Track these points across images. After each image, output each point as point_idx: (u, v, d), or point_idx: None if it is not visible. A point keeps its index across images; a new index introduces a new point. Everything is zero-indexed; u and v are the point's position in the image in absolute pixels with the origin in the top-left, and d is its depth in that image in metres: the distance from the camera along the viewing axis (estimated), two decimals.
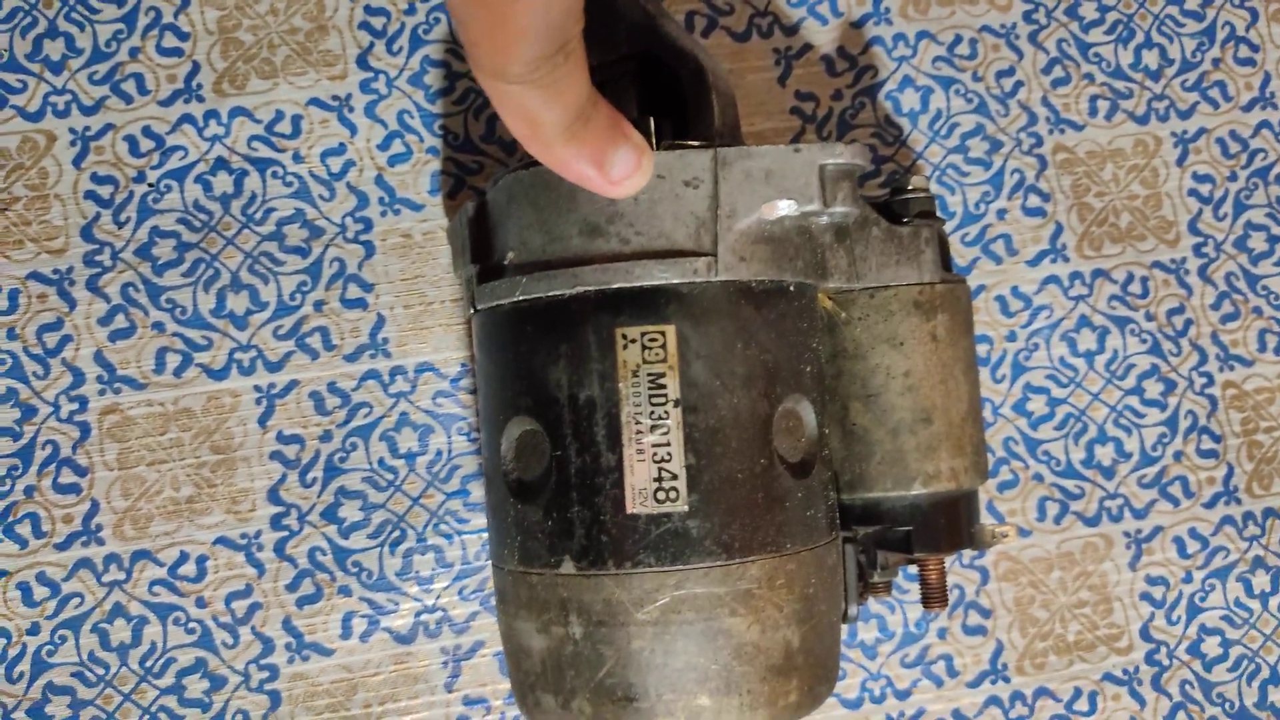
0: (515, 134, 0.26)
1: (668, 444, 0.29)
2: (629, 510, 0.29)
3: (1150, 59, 0.45)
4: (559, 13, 0.23)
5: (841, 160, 0.31)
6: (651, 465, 0.29)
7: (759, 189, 0.30)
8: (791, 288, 0.31)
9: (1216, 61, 0.45)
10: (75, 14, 0.40)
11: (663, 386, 0.29)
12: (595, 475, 0.29)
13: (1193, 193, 0.44)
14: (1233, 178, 0.45)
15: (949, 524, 0.34)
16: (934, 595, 0.35)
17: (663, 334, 0.29)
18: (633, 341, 0.29)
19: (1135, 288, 0.44)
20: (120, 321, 0.39)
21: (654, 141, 0.33)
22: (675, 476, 0.29)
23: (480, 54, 0.24)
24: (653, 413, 0.29)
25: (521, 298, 0.30)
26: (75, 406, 0.39)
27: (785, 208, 0.30)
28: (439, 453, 0.40)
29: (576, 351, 0.29)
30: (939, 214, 0.43)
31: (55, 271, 0.40)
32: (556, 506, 0.30)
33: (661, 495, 0.29)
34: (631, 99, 0.35)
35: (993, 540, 0.35)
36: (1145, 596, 0.42)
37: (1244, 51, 0.45)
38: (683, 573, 0.29)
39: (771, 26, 0.43)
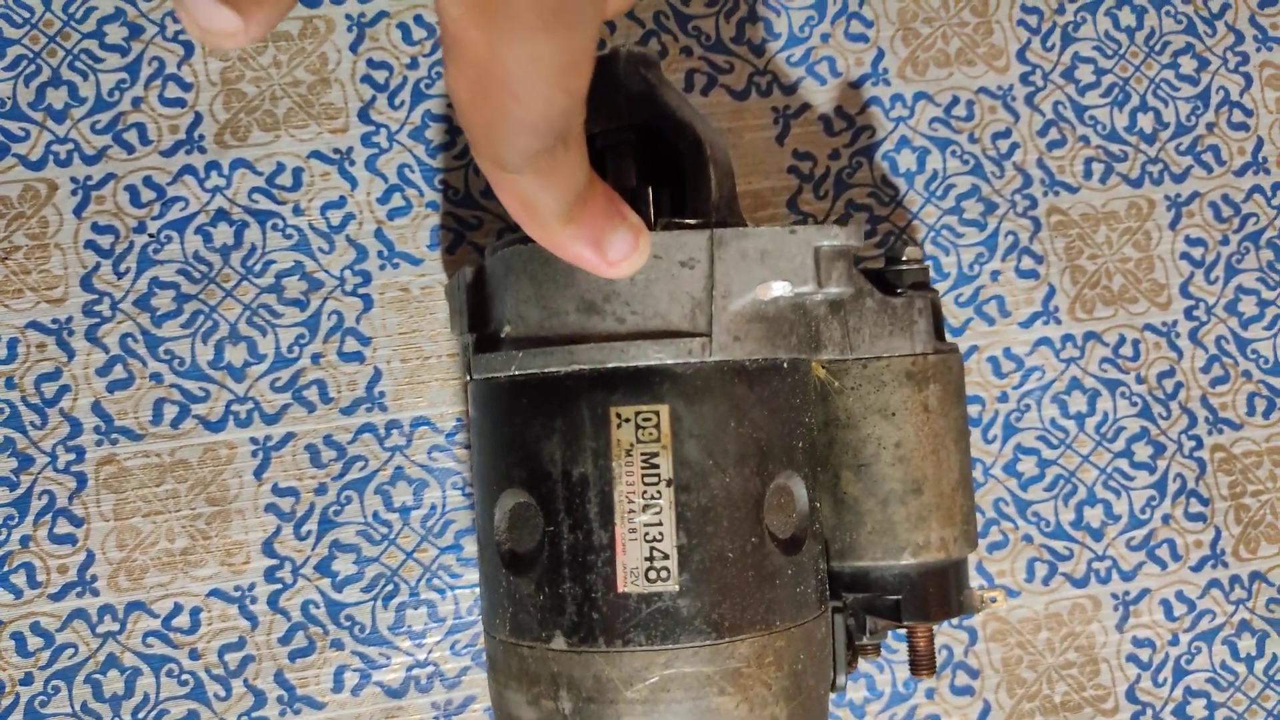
0: (514, 216, 0.27)
1: (660, 523, 0.30)
2: (620, 589, 0.29)
3: (1145, 122, 0.46)
4: (560, 109, 0.23)
5: (837, 242, 0.32)
6: (643, 544, 0.30)
7: (754, 270, 0.31)
8: (785, 364, 0.32)
9: (1210, 126, 0.46)
10: (79, 63, 0.41)
11: (656, 466, 0.30)
12: (587, 552, 0.30)
13: (1185, 256, 0.46)
14: (1224, 241, 0.46)
15: (938, 593, 0.35)
16: (922, 663, 0.36)
17: (657, 414, 0.30)
18: (627, 420, 0.30)
19: (1126, 350, 0.45)
20: (119, 372, 0.40)
21: (652, 213, 0.34)
22: (667, 556, 0.30)
23: (480, 142, 0.24)
24: (645, 492, 0.30)
25: (517, 373, 0.31)
26: (72, 457, 0.40)
27: (780, 289, 0.31)
28: (433, 507, 0.41)
29: (571, 428, 0.30)
30: (932, 283, 0.44)
31: (54, 321, 0.40)
32: (548, 581, 0.30)
33: (653, 574, 0.30)
34: (631, 168, 0.36)
35: (981, 606, 0.36)
36: (1132, 658, 0.43)
37: (1238, 116, 0.46)
38: (672, 651, 0.30)
39: (770, 85, 0.44)
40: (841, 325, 0.34)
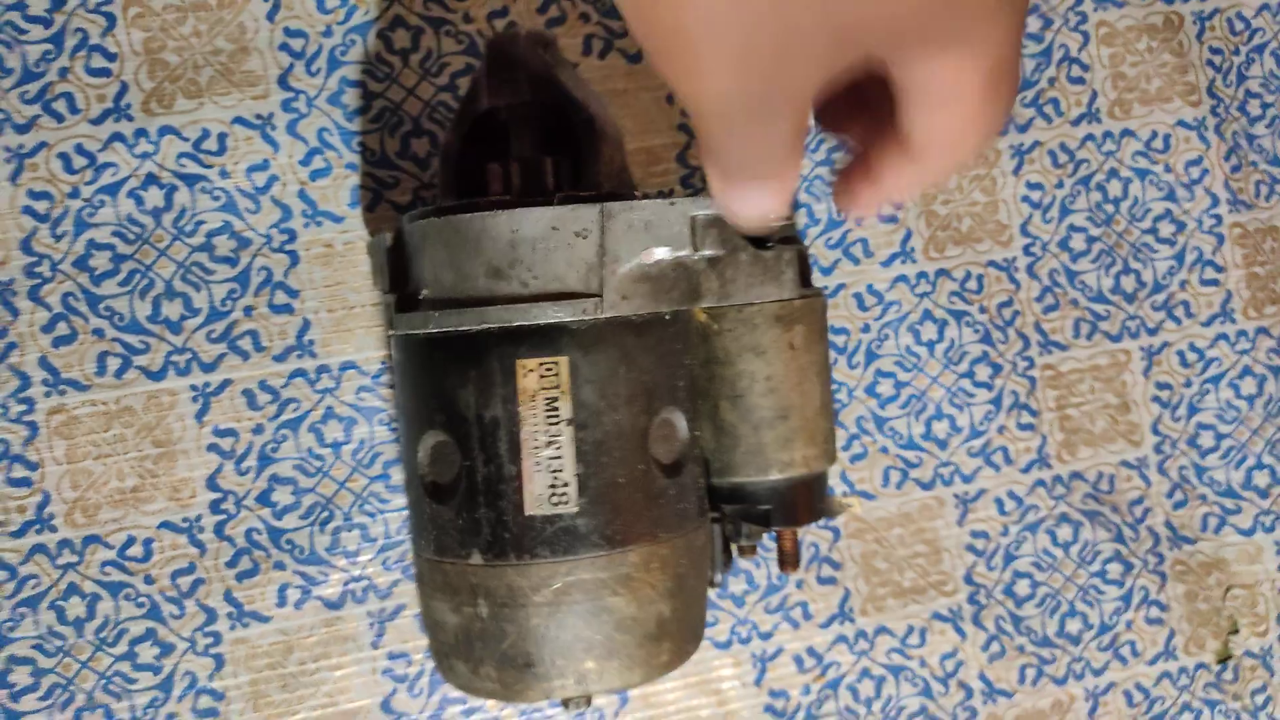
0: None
1: (560, 457, 0.36)
2: (527, 512, 0.36)
3: None
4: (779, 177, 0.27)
5: (710, 211, 0.38)
6: (547, 474, 0.36)
7: (639, 238, 0.37)
8: (668, 315, 0.38)
9: (1052, 80, 0.54)
10: (3, 34, 0.45)
11: (556, 409, 0.36)
12: (499, 483, 0.36)
13: (1025, 199, 0.54)
14: (1060, 185, 0.54)
15: (802, 502, 0.43)
16: (789, 560, 0.44)
17: (557, 364, 0.36)
18: (531, 370, 0.36)
19: (972, 284, 0.53)
20: (62, 329, 0.45)
21: (551, 183, 0.40)
22: (567, 484, 0.36)
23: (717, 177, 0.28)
24: (548, 430, 0.36)
25: (434, 330, 0.37)
26: (24, 408, 0.45)
27: (661, 253, 0.37)
28: (362, 441, 0.47)
29: (483, 378, 0.36)
30: (800, 234, 0.51)
31: None
32: (466, 507, 0.36)
33: (555, 500, 0.36)
34: (530, 140, 0.42)
35: (839, 509, 0.44)
36: (970, 547, 0.53)
37: (1075, 71, 0.54)
38: (573, 562, 0.36)
39: None
40: (719, 277, 0.40)
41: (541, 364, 0.36)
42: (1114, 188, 0.54)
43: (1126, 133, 0.54)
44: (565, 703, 0.38)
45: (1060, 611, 0.53)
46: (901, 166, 0.28)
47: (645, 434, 0.37)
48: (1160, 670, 0.54)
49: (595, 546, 0.36)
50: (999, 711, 0.53)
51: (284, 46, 0.46)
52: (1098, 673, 0.54)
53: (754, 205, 0.29)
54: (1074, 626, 0.53)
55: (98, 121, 0.45)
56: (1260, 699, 0.55)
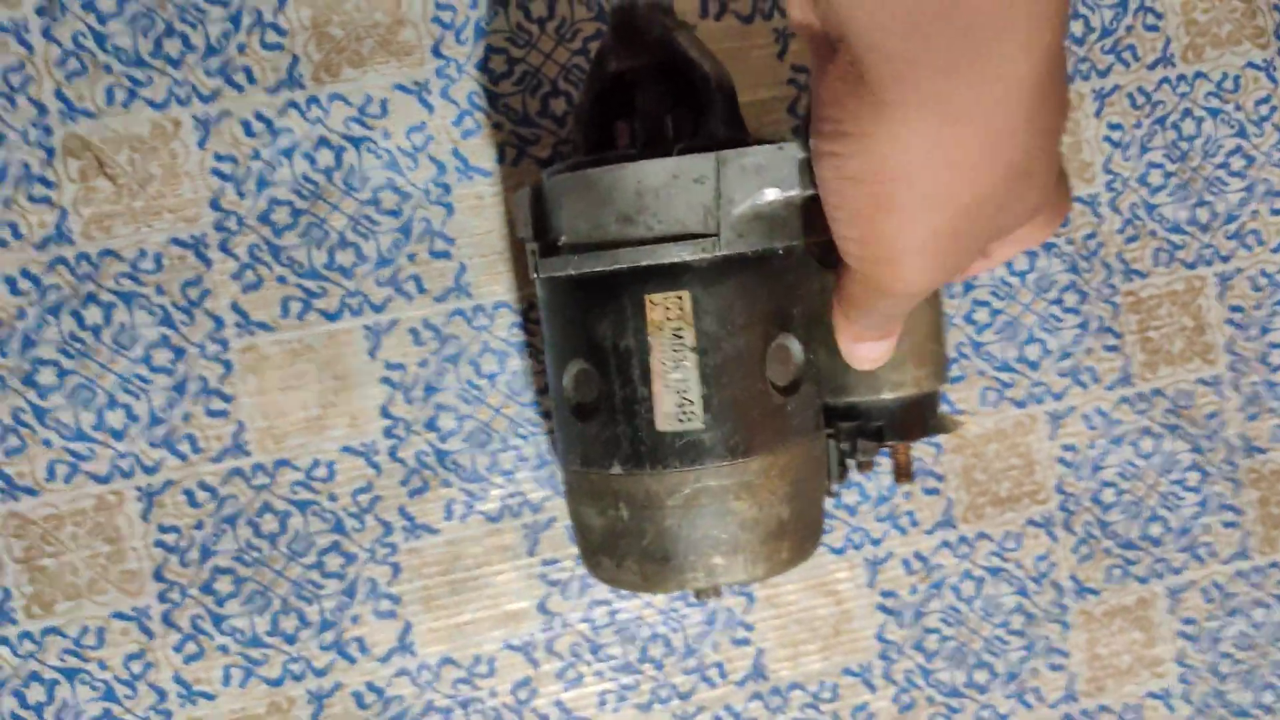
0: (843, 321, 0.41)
1: (686, 379, 0.41)
2: (659, 428, 0.40)
3: (1076, 27, 0.58)
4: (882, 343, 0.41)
5: None
6: (675, 395, 0.41)
7: (752, 180, 0.40)
8: (780, 250, 0.41)
9: (1129, 28, 0.58)
10: (188, 16, 0.50)
11: (681, 337, 0.40)
12: (634, 403, 0.40)
13: (1106, 139, 0.58)
14: (1138, 125, 0.59)
15: (913, 419, 0.48)
16: (902, 473, 0.50)
17: (681, 298, 0.40)
18: (657, 304, 0.40)
19: None
20: (249, 276, 0.51)
21: (671, 136, 0.45)
22: (693, 403, 0.41)
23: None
24: (674, 357, 0.40)
25: (574, 273, 0.41)
26: (218, 348, 0.51)
27: (772, 194, 0.40)
28: (515, 372, 0.53)
29: (617, 313, 0.40)
30: None
31: (191, 237, 0.51)
32: (607, 425, 0.41)
33: (683, 417, 0.40)
34: (655, 100, 0.46)
35: (951, 427, 0.49)
36: (1060, 460, 0.58)
37: (1149, 19, 0.59)
38: (700, 470, 0.41)
39: (771, 9, 0.55)
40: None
41: (666, 298, 0.40)
42: (1188, 126, 0.59)
43: (1199, 75, 0.59)
44: (698, 594, 0.43)
45: (1143, 517, 0.59)
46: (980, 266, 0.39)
47: (762, 358, 0.41)
48: (1235, 569, 0.60)
49: (720, 457, 0.40)
50: (1088, 607, 0.58)
51: (435, 19, 0.52)
52: (1178, 571, 0.59)
53: (877, 357, 0.42)
54: (1156, 530, 0.59)
55: (273, 91, 0.51)
56: None
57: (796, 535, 0.43)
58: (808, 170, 0.40)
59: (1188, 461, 0.59)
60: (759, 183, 0.40)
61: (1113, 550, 0.58)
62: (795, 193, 0.40)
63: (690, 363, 0.40)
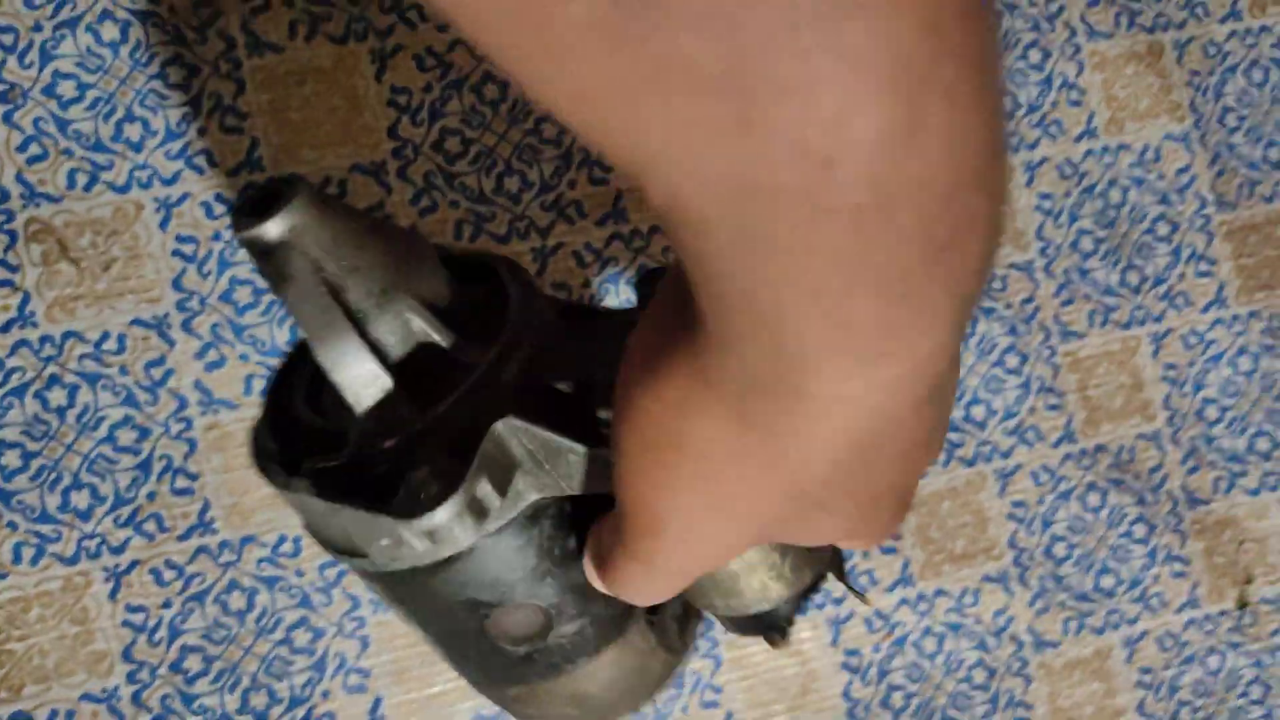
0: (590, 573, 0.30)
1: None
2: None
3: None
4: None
5: None
6: None
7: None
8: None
9: (1054, 104, 0.62)
10: (148, 102, 0.52)
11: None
12: None
13: (1038, 208, 0.62)
14: (1067, 195, 0.62)
15: (749, 627, 0.41)
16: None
17: None
18: None
19: (997, 284, 0.61)
20: (213, 355, 0.52)
21: None
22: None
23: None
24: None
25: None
26: (183, 425, 0.52)
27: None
28: None
29: None
30: None
31: (154, 317, 0.52)
32: None
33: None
34: None
35: (777, 644, 0.41)
36: (1011, 516, 0.60)
37: (1073, 95, 0.63)
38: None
39: None
40: None
41: None
42: (1114, 195, 0.63)
43: (1122, 146, 0.63)
44: None
45: (1095, 569, 0.61)
46: None
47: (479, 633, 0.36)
48: (1187, 617, 0.62)
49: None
50: (1047, 660, 0.60)
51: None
52: (1132, 622, 0.61)
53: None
54: (1108, 582, 0.61)
55: (234, 174, 0.53)
56: (1279, 639, 0.63)
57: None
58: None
59: (1134, 514, 0.61)
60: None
61: (1068, 603, 0.60)
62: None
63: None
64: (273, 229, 0.30)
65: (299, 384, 0.37)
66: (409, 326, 0.33)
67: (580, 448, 0.31)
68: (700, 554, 0.25)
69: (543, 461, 0.32)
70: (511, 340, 0.33)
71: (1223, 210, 0.64)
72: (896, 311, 0.17)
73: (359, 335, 0.31)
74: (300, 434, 0.34)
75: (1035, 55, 0.62)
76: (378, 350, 0.32)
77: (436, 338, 0.33)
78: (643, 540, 0.25)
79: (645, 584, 0.27)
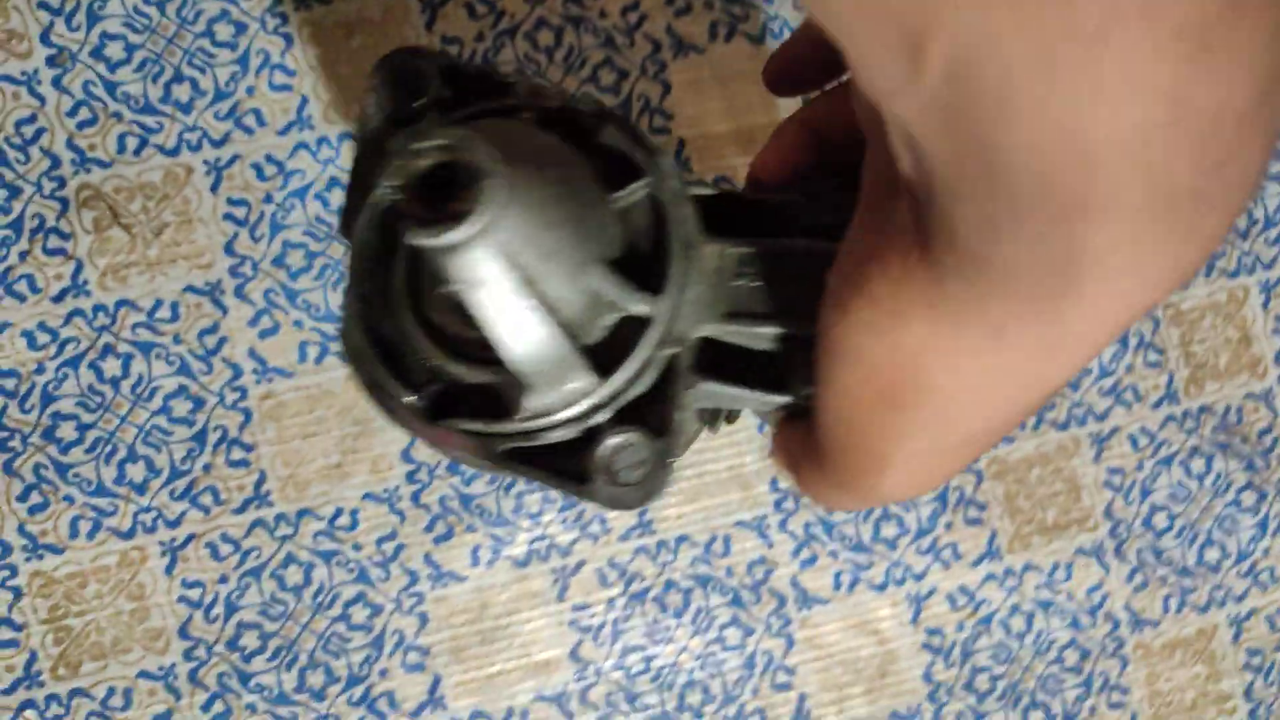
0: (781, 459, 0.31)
1: None
2: None
3: None
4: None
5: None
6: None
7: None
8: None
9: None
10: (196, 61, 0.51)
11: None
12: None
13: None
14: None
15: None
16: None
17: None
18: None
19: None
20: (265, 322, 0.51)
21: None
22: None
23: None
24: None
25: None
26: (237, 395, 0.51)
27: None
28: None
29: None
30: None
31: (206, 284, 0.51)
32: None
33: None
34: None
35: None
36: (1107, 484, 0.57)
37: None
38: None
39: (782, 29, 0.55)
40: None
41: None
42: None
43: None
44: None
45: (1199, 541, 0.57)
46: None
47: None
48: None
49: None
50: (1146, 640, 0.56)
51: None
52: (1239, 599, 0.57)
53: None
54: (1213, 555, 0.57)
55: (284, 132, 0.51)
56: None
57: None
58: None
59: (1242, 481, 0.57)
60: None
61: (1169, 578, 0.57)
62: None
63: None
64: (464, 234, 0.25)
65: (390, 292, 0.33)
66: (599, 298, 0.30)
67: (779, 398, 0.31)
68: (917, 485, 0.25)
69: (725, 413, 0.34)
70: (679, 287, 0.31)
71: None
72: (1184, 211, 0.17)
73: (564, 334, 0.29)
74: (399, 356, 0.32)
75: None
76: (572, 332, 0.29)
77: (621, 300, 0.31)
78: (858, 478, 0.25)
79: (847, 504, 0.28)
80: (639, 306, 0.30)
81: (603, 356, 0.30)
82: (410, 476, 0.51)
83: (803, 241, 0.33)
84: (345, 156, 0.51)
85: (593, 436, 0.31)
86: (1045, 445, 0.56)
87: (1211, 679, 0.57)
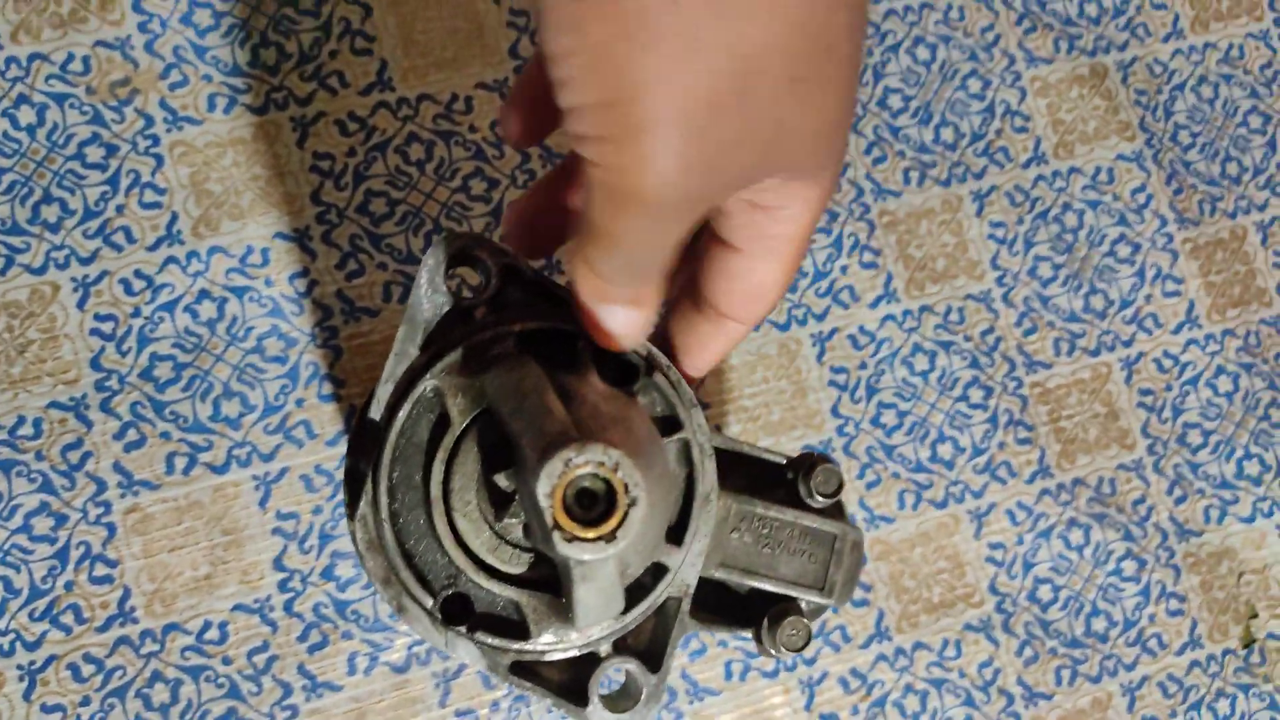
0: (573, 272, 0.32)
1: None
2: None
3: (947, 134, 0.61)
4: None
5: None
6: None
7: None
8: None
9: (999, 131, 0.62)
10: (65, 182, 0.52)
11: None
12: None
13: (991, 236, 0.61)
14: (1020, 221, 0.61)
15: None
16: None
17: None
18: None
19: (954, 316, 0.60)
20: (132, 435, 0.51)
21: None
22: None
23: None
24: None
25: None
26: (101, 510, 0.51)
27: None
28: None
29: None
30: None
31: (71, 399, 0.51)
32: None
33: None
34: None
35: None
36: (989, 559, 0.58)
37: (1018, 122, 0.62)
38: None
39: None
40: None
41: None
42: (1070, 219, 0.62)
43: (1073, 170, 0.62)
44: None
45: (1085, 612, 0.58)
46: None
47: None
48: (1189, 659, 0.59)
49: None
50: (1041, 714, 0.57)
51: (314, 168, 0.54)
52: (1130, 668, 0.58)
53: (627, 331, 0.33)
54: (1100, 625, 0.58)
55: (153, 248, 0.53)
56: None
57: None
58: None
59: (1121, 551, 0.59)
60: None
61: (1059, 650, 0.57)
62: None
63: None
64: (612, 552, 0.29)
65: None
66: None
67: (745, 632, 0.41)
68: (691, 148, 0.25)
69: None
70: (693, 538, 0.37)
71: (1184, 228, 0.63)
72: None
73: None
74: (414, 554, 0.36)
75: (975, 85, 0.62)
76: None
77: (658, 555, 0.36)
78: (614, 118, 0.25)
79: (651, 229, 0.28)
80: (665, 558, 0.35)
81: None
82: (283, 585, 0.51)
83: (790, 512, 0.39)
84: (215, 269, 0.53)
85: (594, 659, 0.36)
86: (925, 524, 0.57)
87: None
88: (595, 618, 0.32)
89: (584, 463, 0.28)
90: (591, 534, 0.28)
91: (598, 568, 0.29)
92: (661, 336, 0.37)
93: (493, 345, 0.34)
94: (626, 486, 0.28)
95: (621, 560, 0.31)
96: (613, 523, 0.28)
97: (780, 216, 0.31)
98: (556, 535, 0.28)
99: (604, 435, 0.29)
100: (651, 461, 0.32)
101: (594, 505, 0.29)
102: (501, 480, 0.33)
